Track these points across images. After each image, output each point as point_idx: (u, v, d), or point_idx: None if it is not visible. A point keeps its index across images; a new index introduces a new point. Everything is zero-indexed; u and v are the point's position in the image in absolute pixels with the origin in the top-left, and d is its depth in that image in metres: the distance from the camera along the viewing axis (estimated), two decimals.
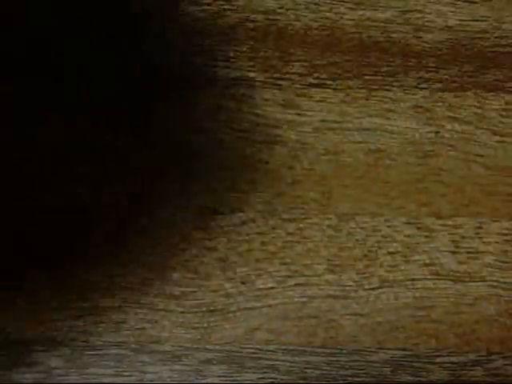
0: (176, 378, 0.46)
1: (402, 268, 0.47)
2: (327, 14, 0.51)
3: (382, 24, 0.51)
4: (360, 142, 0.49)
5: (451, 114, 0.50)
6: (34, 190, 0.48)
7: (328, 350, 0.46)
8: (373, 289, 0.47)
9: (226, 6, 0.51)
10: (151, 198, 0.48)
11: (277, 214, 0.48)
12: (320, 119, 0.50)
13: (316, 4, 0.51)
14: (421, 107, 0.50)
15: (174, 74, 0.49)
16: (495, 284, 0.47)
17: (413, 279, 0.47)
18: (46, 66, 0.50)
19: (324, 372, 0.46)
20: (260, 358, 0.46)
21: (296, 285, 0.47)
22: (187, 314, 0.47)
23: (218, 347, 0.46)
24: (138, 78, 0.50)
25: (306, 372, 0.46)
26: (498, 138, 0.49)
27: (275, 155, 0.49)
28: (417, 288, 0.47)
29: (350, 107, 0.50)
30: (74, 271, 0.47)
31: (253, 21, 0.51)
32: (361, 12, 0.51)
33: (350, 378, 0.46)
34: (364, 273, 0.47)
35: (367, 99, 0.50)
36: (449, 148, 0.49)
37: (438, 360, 0.46)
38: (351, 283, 0.47)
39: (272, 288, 0.47)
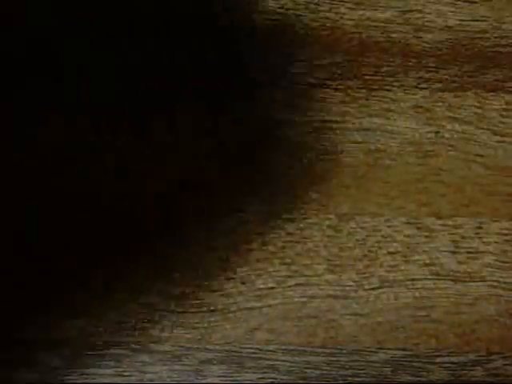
0: (176, 378, 0.46)
1: (402, 268, 0.47)
2: (327, 14, 0.51)
3: (382, 24, 0.51)
4: (360, 142, 0.49)
5: (451, 114, 0.50)
6: (34, 189, 0.48)
7: (328, 350, 0.46)
8: (373, 289, 0.47)
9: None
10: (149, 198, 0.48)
11: (277, 214, 0.48)
12: (320, 119, 0.50)
13: (316, 4, 0.52)
14: (421, 107, 0.50)
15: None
16: (495, 284, 0.47)
17: (413, 279, 0.47)
18: (46, 65, 0.50)
19: (324, 372, 0.46)
20: (260, 358, 0.46)
21: (296, 285, 0.47)
22: (187, 314, 0.47)
23: (217, 347, 0.46)
24: (139, 78, 0.50)
25: (306, 372, 0.46)
26: (498, 137, 0.49)
27: (275, 155, 0.49)
28: (417, 288, 0.47)
29: (349, 107, 0.50)
30: (74, 271, 0.47)
31: None
32: (361, 12, 0.51)
33: (350, 378, 0.46)
34: (364, 273, 0.47)
35: (367, 99, 0.50)
36: (449, 148, 0.49)
37: (438, 360, 0.46)
38: (351, 283, 0.47)
39: (272, 288, 0.47)
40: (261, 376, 0.46)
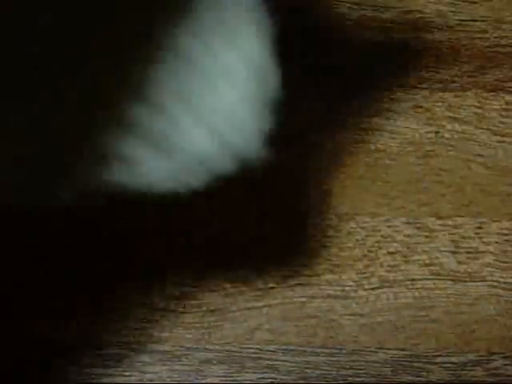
0: (176, 378, 0.46)
1: (402, 268, 0.47)
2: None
3: (382, 24, 0.51)
4: (360, 142, 0.49)
5: (451, 114, 0.50)
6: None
7: (328, 350, 0.46)
8: (373, 289, 0.47)
9: None
10: None
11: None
12: (320, 119, 0.50)
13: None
14: (421, 107, 0.50)
15: None
16: (495, 284, 0.47)
17: (413, 279, 0.47)
18: None
19: (324, 372, 0.46)
20: (260, 358, 0.46)
21: (296, 285, 0.47)
22: (187, 314, 0.47)
23: (217, 347, 0.46)
24: None
25: (306, 372, 0.46)
26: (498, 137, 0.49)
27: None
28: (417, 288, 0.47)
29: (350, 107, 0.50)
30: (74, 270, 0.47)
31: None
32: (361, 12, 0.51)
33: (350, 378, 0.46)
34: (364, 273, 0.47)
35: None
36: (449, 148, 0.49)
37: (438, 360, 0.46)
38: (351, 283, 0.47)
39: (272, 288, 0.47)
40: (261, 376, 0.46)
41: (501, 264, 0.47)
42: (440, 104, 0.50)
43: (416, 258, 0.48)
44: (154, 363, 0.46)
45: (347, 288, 0.47)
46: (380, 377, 0.46)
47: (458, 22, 0.51)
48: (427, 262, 0.47)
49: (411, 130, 0.49)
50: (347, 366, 0.46)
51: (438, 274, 0.47)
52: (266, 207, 0.48)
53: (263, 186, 0.48)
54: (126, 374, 0.46)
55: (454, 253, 0.48)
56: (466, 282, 0.47)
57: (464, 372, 0.46)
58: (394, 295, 0.47)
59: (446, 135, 0.49)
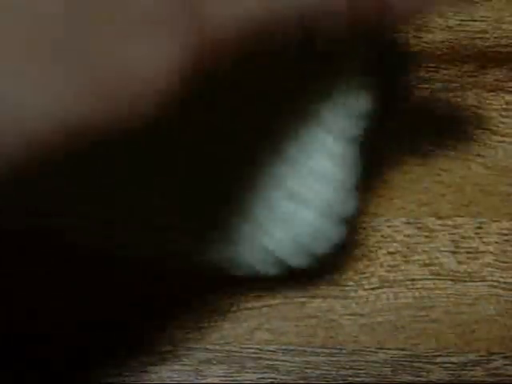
0: (176, 378, 0.46)
1: (402, 268, 0.47)
2: None
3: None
4: None
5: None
6: None
7: (328, 350, 0.46)
8: (373, 289, 0.47)
9: None
10: None
11: None
12: None
13: None
14: None
15: None
16: (495, 284, 0.47)
17: (413, 279, 0.47)
18: None
19: (324, 372, 0.46)
20: (260, 358, 0.46)
21: (296, 285, 0.47)
22: (187, 314, 0.47)
23: (217, 347, 0.46)
24: None
25: (306, 372, 0.46)
26: (498, 137, 0.49)
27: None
28: (417, 288, 0.47)
29: None
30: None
31: None
32: None
33: (350, 378, 0.46)
34: (364, 273, 0.47)
35: None
36: (449, 148, 0.49)
37: (438, 360, 0.46)
38: (351, 283, 0.47)
39: (272, 288, 0.47)
40: (261, 376, 0.46)
41: (501, 264, 0.47)
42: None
43: (416, 257, 0.48)
44: (154, 363, 0.46)
45: (347, 288, 0.47)
46: (380, 377, 0.46)
47: (458, 22, 0.51)
48: (427, 262, 0.47)
49: None
50: (347, 366, 0.46)
51: (438, 274, 0.47)
52: None
53: None
54: (126, 373, 0.46)
55: (453, 253, 0.48)
56: (465, 281, 0.47)
57: (464, 372, 0.46)
58: (394, 295, 0.47)
59: None
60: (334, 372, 0.46)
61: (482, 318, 0.47)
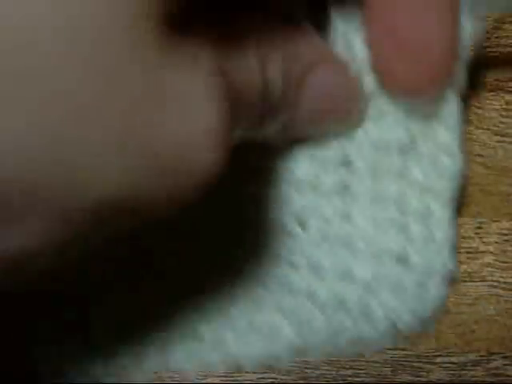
0: (176, 378, 0.46)
1: None
2: None
3: None
4: None
5: None
6: None
7: None
8: None
9: None
10: None
11: None
12: None
13: None
14: None
15: None
16: (495, 284, 0.47)
17: None
18: None
19: (324, 372, 0.46)
20: None
21: None
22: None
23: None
24: None
25: (306, 372, 0.46)
26: (498, 137, 0.49)
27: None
28: None
29: None
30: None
31: None
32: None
33: (349, 378, 0.46)
34: None
35: None
36: None
37: (438, 360, 0.46)
38: None
39: None
40: (261, 376, 0.46)
41: (501, 264, 0.47)
42: None
43: None
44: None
45: None
46: (380, 377, 0.46)
47: None
48: None
49: None
50: (347, 366, 0.46)
51: None
52: None
53: None
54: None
55: None
56: (465, 282, 0.47)
57: (464, 372, 0.46)
58: None
59: None
60: (333, 372, 0.46)
61: (481, 317, 0.47)
